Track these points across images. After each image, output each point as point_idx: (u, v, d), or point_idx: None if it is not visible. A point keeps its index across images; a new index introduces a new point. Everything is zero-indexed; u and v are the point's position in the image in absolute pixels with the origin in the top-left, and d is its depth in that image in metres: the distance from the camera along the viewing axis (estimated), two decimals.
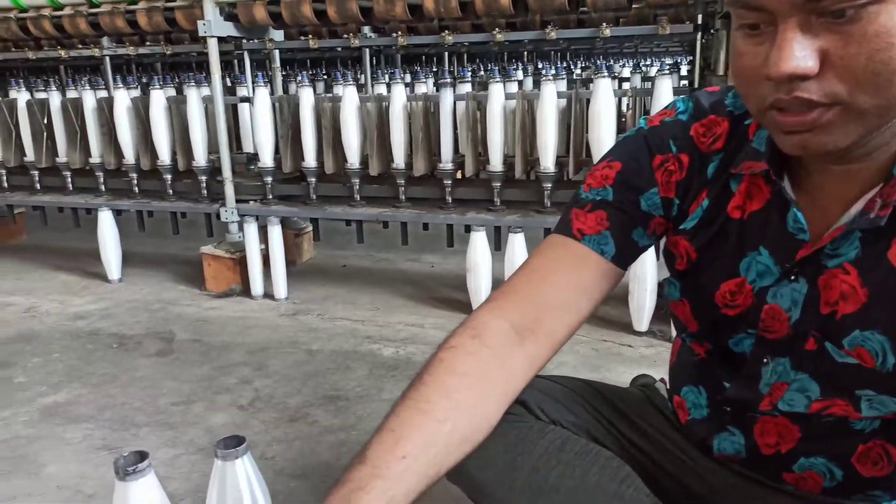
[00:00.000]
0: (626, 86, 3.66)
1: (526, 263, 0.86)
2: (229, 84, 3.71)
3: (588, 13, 2.63)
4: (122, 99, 2.81)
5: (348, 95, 2.47)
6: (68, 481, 1.45)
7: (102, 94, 3.01)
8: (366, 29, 3.14)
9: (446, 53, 5.03)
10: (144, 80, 4.47)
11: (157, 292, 2.77)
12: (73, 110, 2.93)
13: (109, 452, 1.56)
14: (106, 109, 2.88)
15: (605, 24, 2.32)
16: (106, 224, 2.87)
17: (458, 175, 2.53)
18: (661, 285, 2.17)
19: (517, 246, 2.28)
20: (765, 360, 0.79)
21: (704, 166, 0.81)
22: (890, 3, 0.55)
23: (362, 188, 2.58)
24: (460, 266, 2.54)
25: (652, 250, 1.83)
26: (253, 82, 2.89)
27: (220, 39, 2.66)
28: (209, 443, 1.56)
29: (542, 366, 0.82)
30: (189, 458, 1.51)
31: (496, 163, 2.33)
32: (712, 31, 2.34)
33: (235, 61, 4.55)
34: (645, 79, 3.69)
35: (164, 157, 2.80)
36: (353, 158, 2.51)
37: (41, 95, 3.06)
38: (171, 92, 3.23)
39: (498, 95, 2.29)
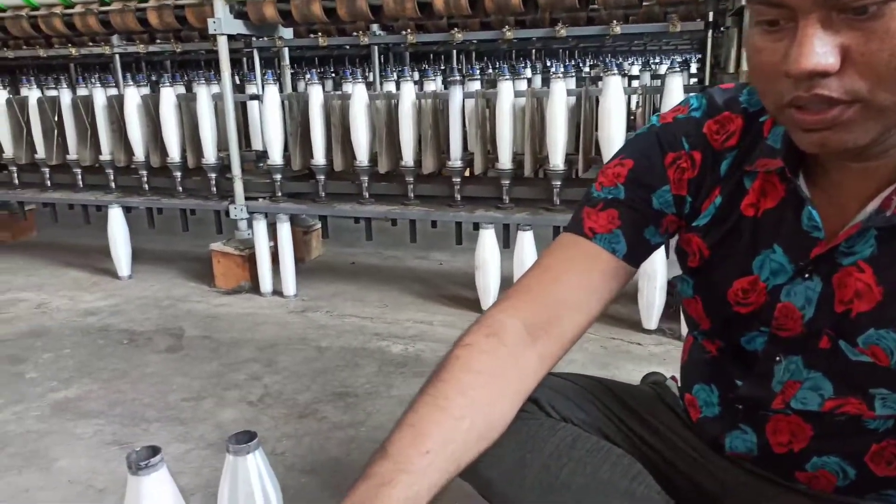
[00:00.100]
0: (635, 84, 3.64)
1: (538, 262, 0.86)
2: (238, 82, 3.72)
3: (598, 11, 2.62)
4: (133, 96, 2.82)
5: (357, 93, 2.47)
6: (80, 476, 1.46)
7: (112, 91, 3.02)
8: (374, 27, 3.14)
9: (455, 52, 5.03)
10: (154, 78, 4.49)
11: (167, 289, 2.78)
12: (84, 108, 2.94)
13: (120, 448, 1.57)
14: (116, 107, 2.89)
15: (615, 21, 2.31)
16: (116, 221, 2.89)
17: (467, 173, 2.53)
18: (671, 283, 2.16)
19: (526, 244, 2.28)
20: (777, 359, 0.78)
21: (717, 163, 0.80)
22: None
23: (371, 186, 2.58)
24: (469, 264, 2.54)
25: (662, 248, 1.83)
26: (262, 80, 2.89)
27: (230, 37, 2.67)
28: (219, 438, 1.57)
29: (553, 364, 0.82)
30: (199, 454, 1.51)
31: (505, 160, 2.33)
32: (722, 28, 2.33)
33: (244, 59, 4.57)
34: (654, 76, 3.68)
35: (174, 154, 2.81)
36: (362, 156, 2.52)
37: (52, 93, 3.07)
38: (181, 89, 3.25)
39: (507, 93, 2.29)
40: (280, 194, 2.72)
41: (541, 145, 2.37)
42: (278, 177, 2.69)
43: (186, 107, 2.79)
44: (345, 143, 2.56)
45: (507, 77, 2.32)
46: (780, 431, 0.81)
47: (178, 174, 2.86)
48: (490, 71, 4.49)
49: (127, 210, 2.98)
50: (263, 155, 2.89)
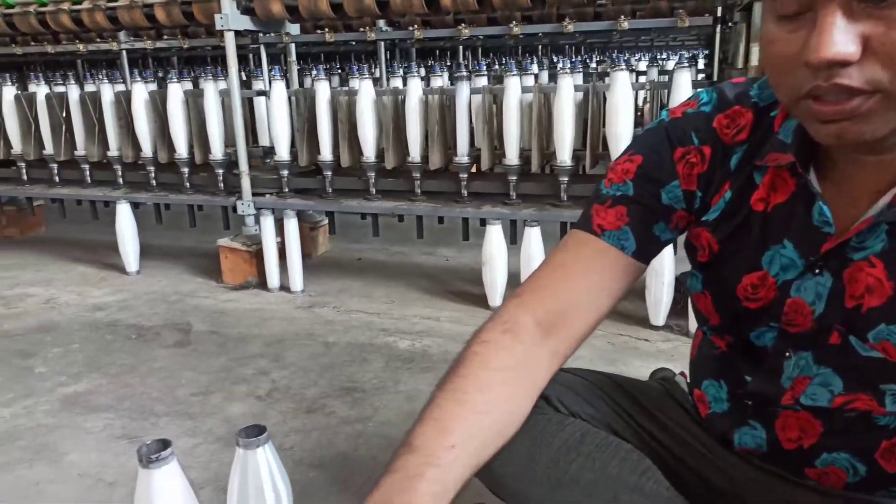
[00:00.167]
0: (642, 80, 3.63)
1: (549, 260, 0.86)
2: (244, 78, 3.72)
3: (605, 6, 2.62)
4: (140, 92, 2.83)
5: (364, 89, 2.47)
6: (90, 469, 1.47)
7: (120, 87, 3.03)
8: (381, 23, 3.14)
9: (461, 48, 5.02)
10: (160, 75, 4.50)
11: (175, 284, 2.79)
12: (92, 104, 2.95)
13: (129, 442, 1.58)
14: (124, 103, 2.90)
15: (622, 16, 2.30)
16: (124, 216, 2.90)
17: (474, 169, 2.53)
18: (678, 280, 2.16)
19: (533, 240, 2.28)
20: (787, 354, 0.78)
21: (727, 158, 0.80)
22: None
23: (378, 182, 2.59)
24: (475, 260, 2.54)
25: (670, 244, 1.82)
26: (269, 76, 2.90)
27: (237, 33, 2.67)
28: (228, 432, 1.58)
29: (565, 360, 0.83)
30: (208, 448, 1.52)
31: (512, 156, 2.33)
32: (730, 24, 2.32)
33: (251, 56, 4.57)
34: (662, 72, 3.66)
35: (182, 150, 2.82)
36: (369, 152, 2.52)
37: (60, 89, 3.08)
38: (188, 86, 3.25)
39: (514, 88, 2.28)
40: (287, 190, 2.72)
41: (548, 141, 2.36)
42: (285, 173, 2.69)
43: (194, 103, 2.79)
44: (352, 139, 2.57)
45: (515, 72, 2.31)
46: (789, 427, 0.80)
47: (186, 170, 2.86)
48: (496, 67, 4.48)
49: (135, 206, 2.99)
50: (270, 151, 2.90)
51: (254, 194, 2.74)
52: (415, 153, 2.47)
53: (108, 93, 2.90)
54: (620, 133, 2.13)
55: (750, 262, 0.79)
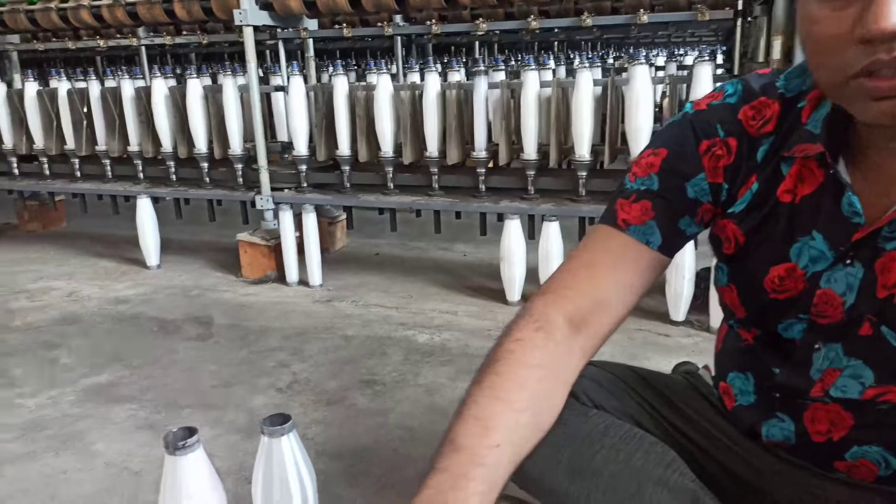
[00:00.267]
0: (661, 76, 3.60)
1: (575, 255, 0.86)
2: (262, 75, 3.74)
3: (623, 0, 2.61)
4: (160, 88, 2.85)
5: (382, 84, 2.48)
6: (116, 458, 1.49)
7: (140, 83, 3.06)
8: (397, 18, 3.15)
9: (477, 43, 5.01)
10: (178, 72, 4.53)
11: (195, 278, 2.82)
12: (112, 99, 2.98)
13: (154, 432, 1.60)
14: (144, 98, 2.93)
15: (641, 10, 2.30)
16: (145, 211, 2.93)
17: (491, 164, 2.53)
18: (699, 275, 2.14)
19: (552, 234, 2.27)
20: (816, 346, 0.77)
21: (754, 150, 0.79)
22: None
23: (395, 177, 2.59)
24: (492, 255, 2.54)
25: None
26: (288, 71, 2.91)
27: (255, 29, 2.69)
28: (250, 424, 1.60)
29: (593, 355, 0.84)
30: (231, 438, 1.54)
31: (530, 151, 2.33)
32: (750, 18, 2.31)
33: (268, 52, 4.60)
34: (680, 67, 3.64)
35: (201, 145, 2.84)
36: (387, 147, 2.53)
37: (80, 85, 3.12)
38: (207, 82, 3.27)
39: (533, 83, 2.28)
40: (305, 185, 2.74)
41: (566, 136, 2.36)
42: (304, 167, 2.71)
43: (213, 98, 2.81)
44: (369, 133, 2.57)
45: (533, 67, 2.30)
46: (818, 420, 0.80)
47: (205, 165, 2.89)
48: (512, 64, 4.47)
49: (154, 201, 3.02)
50: (288, 146, 2.92)
51: (272, 189, 2.75)
52: (432, 148, 2.47)
53: (128, 88, 2.93)
54: (640, 128, 2.13)
55: (777, 253, 0.78)
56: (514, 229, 2.36)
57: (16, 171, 3.34)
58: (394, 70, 3.63)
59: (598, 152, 2.34)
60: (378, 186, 2.65)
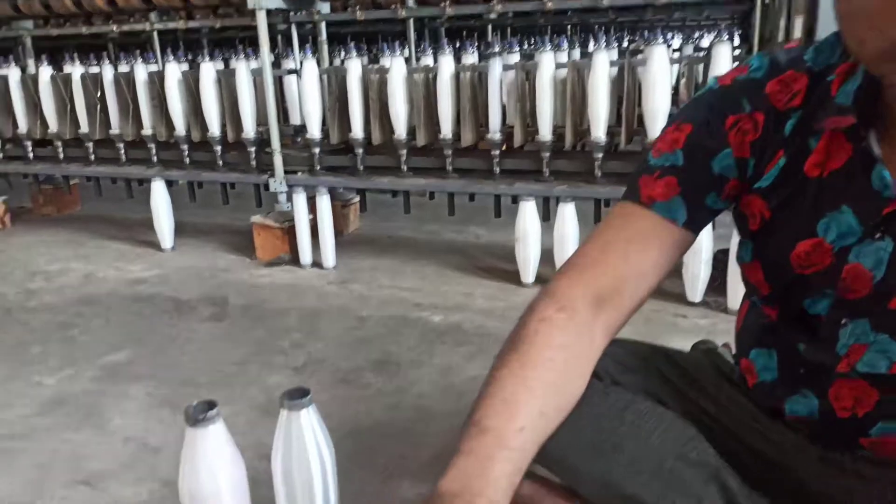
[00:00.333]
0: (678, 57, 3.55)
1: (598, 233, 0.85)
2: (274, 59, 3.73)
3: None
4: (173, 72, 2.85)
5: (396, 66, 2.47)
6: (134, 434, 1.51)
7: (153, 68, 3.06)
8: (410, 1, 3.12)
9: (490, 27, 4.97)
10: (191, 58, 4.53)
11: (209, 260, 2.83)
12: (126, 84, 2.99)
13: (171, 408, 1.61)
14: (157, 83, 2.93)
15: None
16: (159, 193, 2.94)
17: (504, 147, 2.51)
18: (716, 257, 2.13)
19: (568, 216, 2.26)
20: (843, 322, 0.77)
21: (781, 124, 0.78)
22: None
23: (409, 159, 2.59)
24: (507, 238, 2.54)
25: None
26: (301, 54, 2.91)
27: (268, 12, 2.67)
28: (266, 401, 1.61)
29: (615, 334, 0.83)
30: (248, 415, 1.55)
31: (545, 133, 2.31)
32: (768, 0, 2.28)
33: (280, 38, 4.59)
34: (697, 50, 3.60)
35: (214, 129, 2.84)
36: (401, 129, 2.52)
37: (94, 70, 3.12)
38: (220, 66, 3.27)
39: (548, 64, 2.26)
40: (319, 168, 2.73)
41: (581, 118, 2.34)
42: (317, 150, 2.70)
43: (226, 82, 2.81)
44: (383, 116, 2.57)
45: (548, 48, 2.28)
46: (843, 396, 0.79)
47: (219, 148, 2.89)
48: (525, 48, 4.43)
49: (168, 185, 3.03)
50: (301, 129, 2.91)
51: (286, 172, 2.75)
52: (446, 130, 2.46)
53: (141, 73, 2.93)
54: (657, 109, 2.10)
55: (804, 229, 0.77)
56: (529, 210, 2.35)
57: (31, 154, 3.36)
58: (406, 55, 3.61)
59: (615, 134, 2.32)
60: (392, 169, 2.64)
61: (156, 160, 3.08)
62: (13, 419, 1.59)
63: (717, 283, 2.12)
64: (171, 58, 2.92)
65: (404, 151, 2.56)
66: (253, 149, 2.83)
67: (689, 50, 3.67)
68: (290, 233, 2.73)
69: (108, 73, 3.00)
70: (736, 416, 0.95)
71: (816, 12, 1.92)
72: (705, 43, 4.04)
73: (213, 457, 0.94)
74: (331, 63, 3.48)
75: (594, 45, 2.38)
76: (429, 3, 3.18)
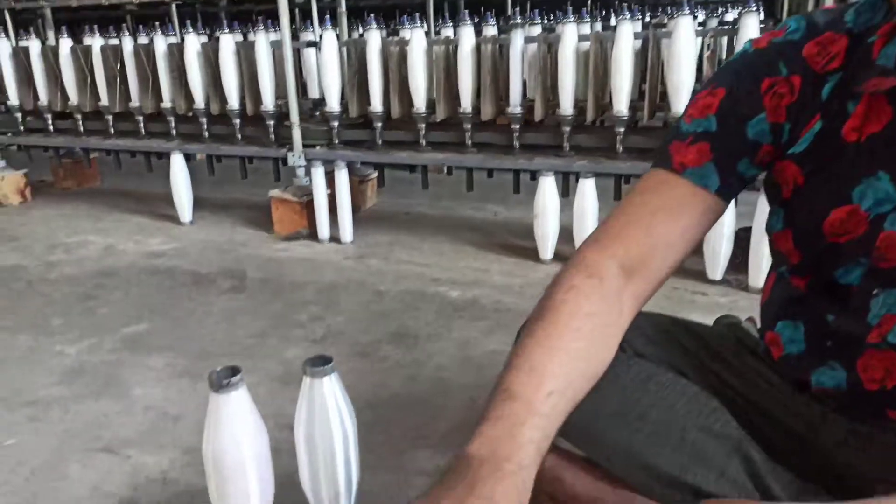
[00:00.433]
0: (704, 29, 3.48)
1: (627, 200, 0.83)
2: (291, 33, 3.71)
3: None
4: (193, 43, 2.84)
5: (416, 38, 2.44)
6: (154, 403, 1.52)
7: (173, 39, 3.05)
8: None
9: (510, 1, 4.91)
10: (209, 33, 4.51)
11: (228, 234, 2.84)
12: (145, 56, 2.98)
13: (190, 379, 1.62)
14: (177, 55, 2.92)
15: None
16: (178, 166, 2.95)
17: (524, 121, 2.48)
18: (737, 234, 2.10)
19: (588, 191, 2.24)
20: (875, 292, 0.75)
21: (819, 88, 0.76)
22: None
23: (428, 133, 2.57)
24: (525, 215, 2.52)
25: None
26: (321, 26, 2.88)
27: None
28: (285, 373, 1.61)
29: (645, 303, 0.81)
30: (268, 386, 1.56)
31: (567, 106, 2.28)
32: None
33: (297, 12, 4.55)
34: (722, 24, 3.52)
35: (233, 101, 2.83)
36: (420, 103, 2.49)
37: (114, 42, 3.12)
38: (239, 38, 3.25)
39: (571, 36, 2.22)
40: (337, 142, 2.72)
41: (603, 91, 2.31)
42: (335, 124, 2.69)
43: (245, 54, 2.80)
44: (402, 89, 2.54)
45: (572, 20, 2.24)
46: (872, 367, 0.77)
47: (238, 122, 2.88)
48: (545, 22, 4.37)
49: (187, 159, 3.04)
50: (319, 103, 2.90)
51: (304, 146, 2.74)
52: (466, 104, 2.43)
53: (161, 45, 2.92)
54: (681, 83, 2.06)
55: (839, 195, 0.75)
56: (548, 186, 2.32)
57: (51, 127, 3.38)
58: (425, 30, 3.57)
59: (637, 108, 2.28)
60: (410, 143, 2.63)
61: (175, 133, 3.09)
62: (35, 388, 1.61)
63: (739, 260, 2.09)
64: (191, 30, 2.90)
65: (423, 125, 2.54)
66: (272, 122, 2.82)
67: (714, 23, 3.59)
68: (308, 207, 2.73)
69: (127, 44, 3.00)
70: (760, 389, 0.94)
71: None
72: (729, 18, 3.96)
73: (237, 422, 0.94)
74: (350, 36, 3.45)
75: (616, 19, 2.33)
76: None
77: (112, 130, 3.22)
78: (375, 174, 3.20)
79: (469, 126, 2.48)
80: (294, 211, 2.77)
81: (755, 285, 2.02)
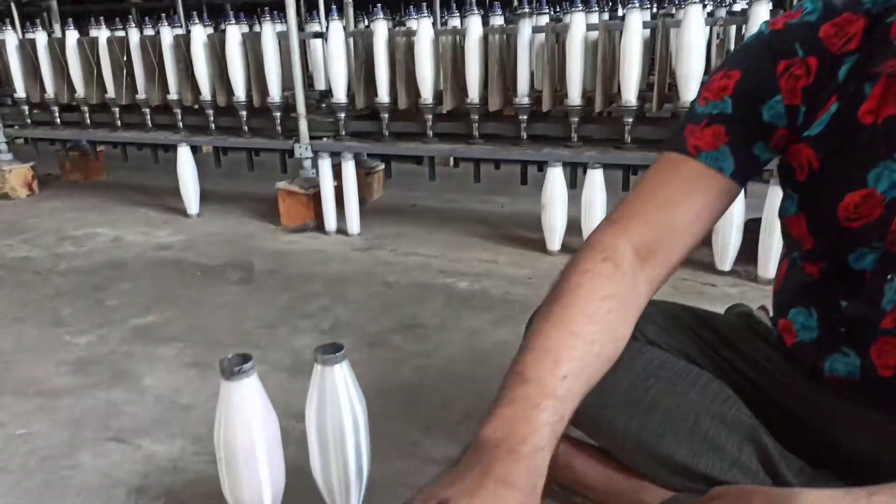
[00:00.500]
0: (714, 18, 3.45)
1: (642, 183, 0.83)
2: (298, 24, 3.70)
3: None
4: (199, 35, 2.84)
5: (423, 28, 2.43)
6: (164, 392, 1.52)
7: (179, 31, 3.05)
8: None
9: None
10: (214, 24, 4.51)
11: (235, 226, 2.85)
12: (152, 47, 2.98)
13: (200, 369, 1.63)
14: (183, 46, 2.92)
15: None
16: (185, 158, 2.95)
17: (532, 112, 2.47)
18: (746, 225, 2.09)
19: (596, 182, 2.23)
20: (889, 277, 0.74)
21: (835, 69, 0.75)
22: None
23: (435, 124, 2.56)
24: (532, 207, 2.51)
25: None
26: (327, 17, 2.87)
27: None
28: (294, 363, 1.61)
29: (660, 286, 0.81)
30: (277, 376, 1.56)
31: (575, 97, 2.27)
32: None
33: (303, 3, 4.55)
34: (730, 13, 3.49)
35: (240, 93, 2.83)
36: (427, 93, 2.49)
37: (120, 34, 3.12)
38: (245, 29, 3.25)
39: (579, 25, 2.21)
40: (344, 133, 2.72)
41: (611, 82, 2.29)
42: (342, 115, 2.68)
43: (251, 45, 2.79)
44: (409, 80, 2.54)
45: (580, 8, 2.23)
46: (886, 353, 0.77)
47: (244, 113, 2.88)
48: (553, 11, 4.34)
49: (194, 152, 3.04)
50: (326, 94, 2.89)
51: (311, 138, 2.74)
52: (473, 95, 2.43)
53: (167, 36, 2.92)
54: (691, 72, 2.05)
55: (854, 179, 0.75)
56: (556, 177, 2.31)
57: (58, 120, 3.38)
58: (432, 19, 3.55)
59: (645, 99, 2.27)
60: (417, 135, 2.62)
61: (181, 126, 3.09)
62: (46, 378, 1.61)
63: (748, 251, 2.08)
64: (197, 21, 2.90)
65: (430, 116, 2.53)
66: (278, 114, 2.82)
67: (723, 12, 3.56)
68: (316, 199, 2.73)
69: (134, 36, 3.00)
70: (772, 378, 0.93)
71: None
72: (738, 8, 3.92)
73: (249, 409, 0.94)
74: (356, 27, 3.44)
75: (623, 9, 2.31)
76: None
77: (119, 123, 3.22)
78: (382, 166, 3.20)
79: (476, 117, 2.47)
80: (301, 203, 2.77)
81: (764, 276, 2.01)
